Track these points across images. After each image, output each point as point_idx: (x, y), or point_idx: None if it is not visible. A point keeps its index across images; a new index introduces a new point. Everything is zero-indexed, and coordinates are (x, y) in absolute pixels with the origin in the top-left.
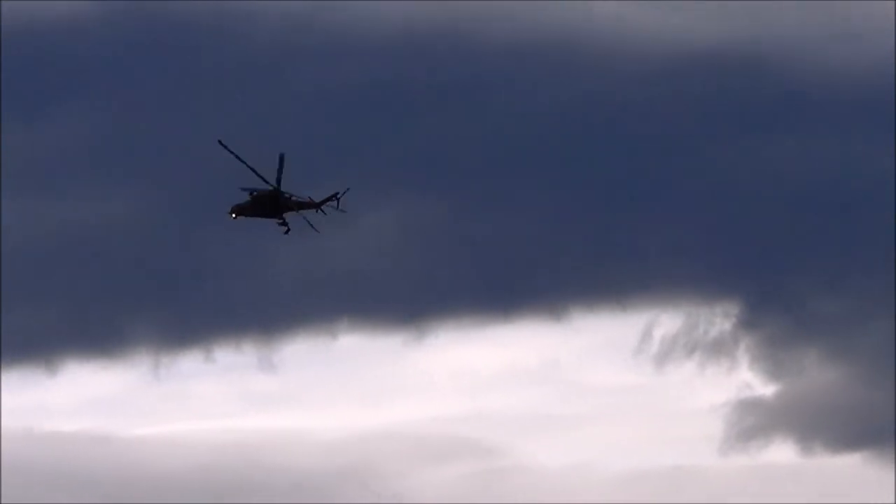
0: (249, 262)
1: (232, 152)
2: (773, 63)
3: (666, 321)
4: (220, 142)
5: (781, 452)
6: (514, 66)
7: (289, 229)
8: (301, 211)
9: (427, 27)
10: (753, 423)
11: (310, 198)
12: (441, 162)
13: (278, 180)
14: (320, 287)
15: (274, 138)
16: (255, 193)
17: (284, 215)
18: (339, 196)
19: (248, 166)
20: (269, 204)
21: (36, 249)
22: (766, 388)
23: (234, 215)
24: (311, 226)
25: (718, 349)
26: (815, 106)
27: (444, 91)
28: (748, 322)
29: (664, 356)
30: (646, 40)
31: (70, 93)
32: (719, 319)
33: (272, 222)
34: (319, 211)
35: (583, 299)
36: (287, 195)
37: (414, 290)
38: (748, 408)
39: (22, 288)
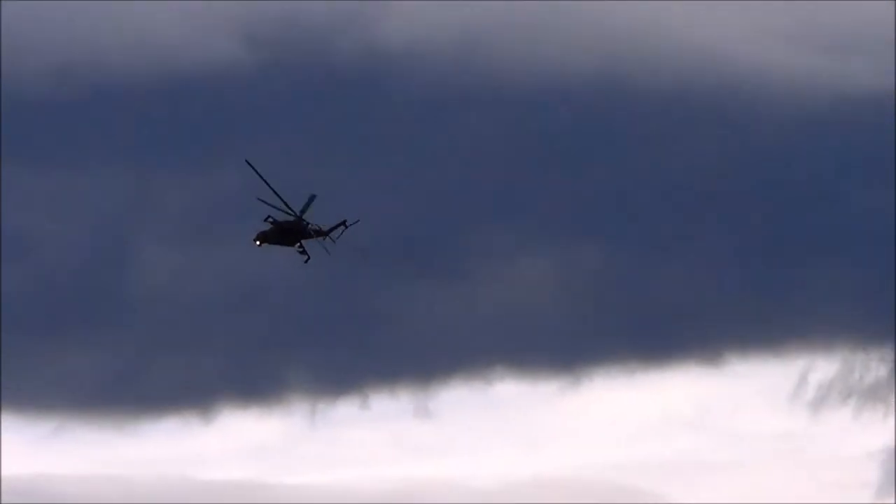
0: (405, 309)
1: (259, 174)
2: None
3: (822, 366)
4: (247, 161)
5: None
6: (674, 116)
7: (308, 258)
8: (317, 238)
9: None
10: None
11: (320, 226)
12: (597, 208)
13: (302, 211)
14: (476, 333)
15: (426, 184)
16: (278, 222)
17: (303, 242)
18: (347, 225)
19: (273, 191)
20: (292, 232)
21: (194, 297)
22: None
23: (258, 243)
24: (327, 251)
25: (874, 395)
26: None
27: (602, 138)
28: None
29: (820, 402)
30: (801, 87)
31: (230, 140)
32: (875, 364)
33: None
34: (328, 238)
35: (738, 345)
36: (306, 223)
37: (569, 337)
38: None
39: (180, 335)
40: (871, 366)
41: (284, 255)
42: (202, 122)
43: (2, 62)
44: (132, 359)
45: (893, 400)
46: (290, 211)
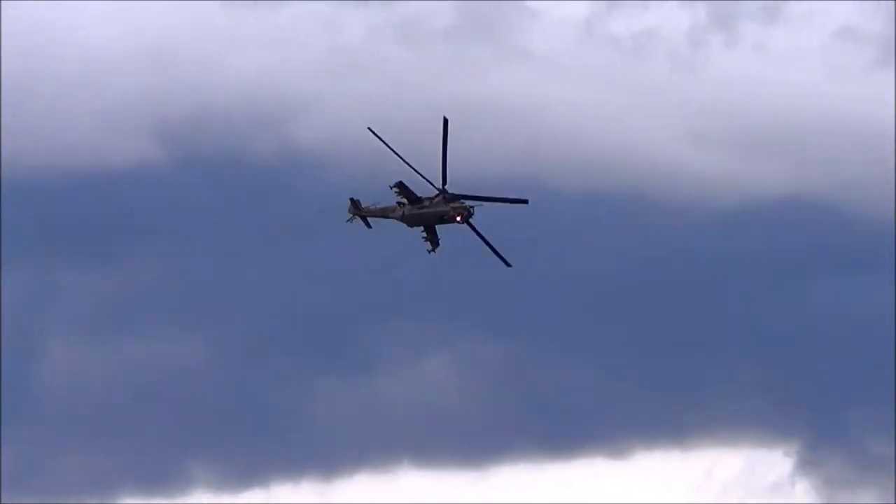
0: (311, 401)
1: (382, 140)
2: (836, 210)
3: (726, 462)
4: (369, 129)
5: None
6: (582, 214)
7: (438, 246)
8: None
9: None
10: None
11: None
12: (505, 304)
13: (444, 182)
14: (382, 426)
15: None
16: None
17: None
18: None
19: (400, 157)
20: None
21: (101, 391)
22: None
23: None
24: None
25: (776, 492)
26: (860, 251)
27: (510, 238)
28: (807, 463)
29: (723, 497)
30: (714, 189)
31: (134, 238)
32: (778, 460)
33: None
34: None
35: (644, 439)
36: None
37: (476, 429)
38: None
39: (84, 428)
40: (774, 461)
41: (191, 345)
42: (113, 220)
43: None
44: (35, 452)
45: (795, 496)
46: (428, 181)
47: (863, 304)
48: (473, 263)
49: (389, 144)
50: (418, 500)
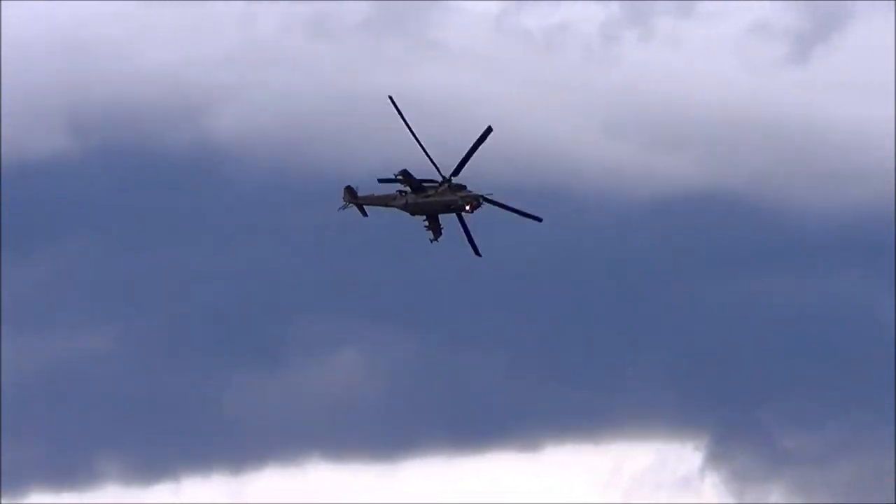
0: (220, 395)
1: (399, 112)
2: (748, 204)
3: (637, 455)
4: (390, 98)
5: None
6: (488, 208)
7: (440, 235)
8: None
9: None
10: None
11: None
12: (411, 300)
13: (456, 172)
14: (291, 420)
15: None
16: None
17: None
18: (484, 197)
19: (413, 134)
20: (441, 199)
21: (8, 385)
22: None
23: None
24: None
25: (686, 485)
26: (772, 245)
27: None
28: (717, 456)
29: (634, 490)
30: (633, 182)
31: (46, 230)
32: (689, 454)
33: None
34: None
35: (555, 432)
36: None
37: (387, 423)
38: None
39: None
40: (684, 455)
41: (101, 337)
42: (26, 211)
43: None
44: None
45: (705, 489)
46: (435, 166)
47: (773, 298)
48: (384, 257)
49: (405, 117)
50: (328, 493)
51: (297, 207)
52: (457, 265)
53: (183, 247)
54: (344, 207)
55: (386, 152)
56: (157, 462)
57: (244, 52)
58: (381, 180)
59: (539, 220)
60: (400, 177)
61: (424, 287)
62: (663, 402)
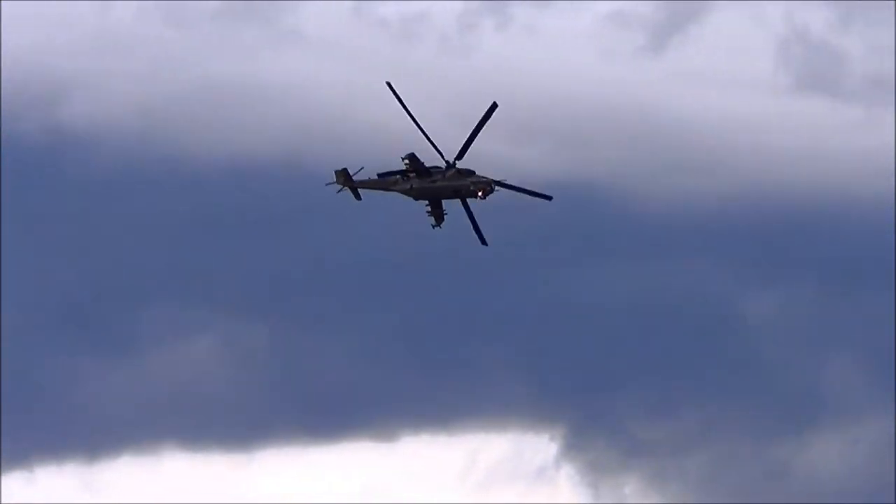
0: (74, 383)
1: (398, 97)
2: (603, 194)
3: (492, 446)
4: (388, 84)
5: None
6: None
7: (442, 221)
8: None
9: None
10: None
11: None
12: (265, 288)
13: (460, 156)
14: (146, 408)
15: None
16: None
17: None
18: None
19: (412, 118)
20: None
21: None
22: None
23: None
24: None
25: (542, 476)
26: (626, 235)
27: (284, 217)
28: (573, 447)
29: (489, 481)
30: (486, 172)
31: None
32: (544, 445)
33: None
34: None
35: (411, 422)
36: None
37: (242, 412)
38: None
39: None
40: (539, 446)
41: None
42: None
43: None
44: None
45: (560, 480)
46: (438, 151)
47: (629, 288)
48: (239, 245)
49: (404, 102)
50: (183, 481)
51: (149, 195)
52: (314, 254)
53: (37, 234)
54: (339, 191)
55: (240, 139)
56: (9, 450)
57: (98, 39)
58: (381, 175)
59: (549, 198)
60: (406, 160)
61: (280, 275)
62: (519, 393)
